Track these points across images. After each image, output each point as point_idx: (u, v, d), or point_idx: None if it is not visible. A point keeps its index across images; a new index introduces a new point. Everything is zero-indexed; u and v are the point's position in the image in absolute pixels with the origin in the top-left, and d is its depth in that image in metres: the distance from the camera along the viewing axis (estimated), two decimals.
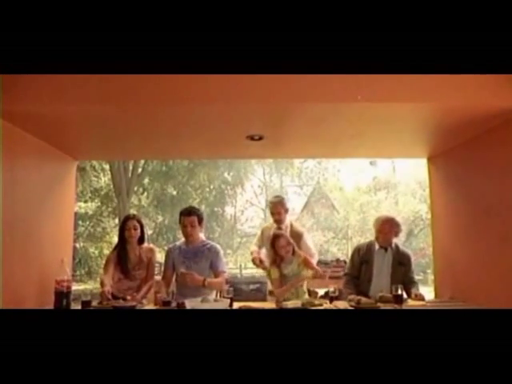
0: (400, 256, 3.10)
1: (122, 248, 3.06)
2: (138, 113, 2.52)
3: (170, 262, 3.07)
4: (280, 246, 2.92)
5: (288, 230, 3.45)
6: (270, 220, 3.68)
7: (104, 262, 3.27)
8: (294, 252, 2.96)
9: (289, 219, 3.60)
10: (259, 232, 3.81)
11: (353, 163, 16.59)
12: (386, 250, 3.10)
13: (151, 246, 3.31)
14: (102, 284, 2.87)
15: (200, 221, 3.04)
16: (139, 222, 3.10)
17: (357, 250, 3.24)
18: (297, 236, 3.35)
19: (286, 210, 3.56)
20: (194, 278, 2.86)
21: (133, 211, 12.49)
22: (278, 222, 3.52)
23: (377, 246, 3.13)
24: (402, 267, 3.06)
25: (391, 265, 3.07)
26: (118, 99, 2.35)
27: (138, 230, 3.06)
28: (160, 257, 5.76)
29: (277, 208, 3.52)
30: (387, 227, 3.09)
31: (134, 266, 3.04)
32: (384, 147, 3.50)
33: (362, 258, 3.15)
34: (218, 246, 3.14)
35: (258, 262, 3.46)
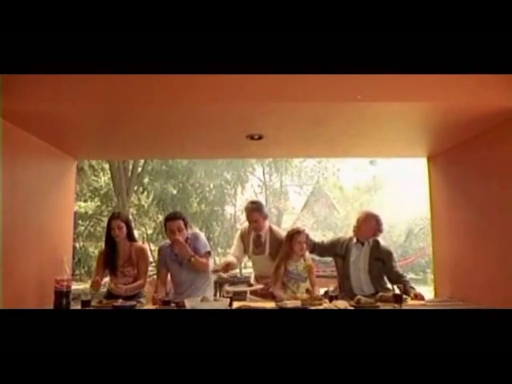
0: (379, 252, 3.11)
1: (110, 247, 3.08)
2: (137, 112, 2.52)
3: (163, 261, 3.08)
4: (297, 241, 2.97)
5: (268, 235, 3.23)
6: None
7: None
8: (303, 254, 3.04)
9: (268, 224, 3.30)
10: (237, 237, 3.44)
11: (353, 162, 16.55)
12: (362, 244, 3.14)
13: (143, 245, 3.32)
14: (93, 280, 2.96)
15: (186, 224, 3.01)
16: (123, 220, 3.09)
17: (336, 240, 3.31)
18: (277, 244, 3.15)
19: (265, 217, 3.24)
20: (183, 248, 2.88)
21: (132, 211, 12.50)
22: (256, 229, 3.23)
23: (354, 240, 3.17)
24: (379, 262, 3.08)
25: (368, 259, 3.09)
26: (118, 99, 2.35)
27: (124, 229, 3.06)
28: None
29: (253, 216, 3.19)
30: (365, 221, 3.13)
31: (124, 263, 3.05)
32: (384, 147, 3.50)
33: (339, 252, 3.19)
34: (197, 231, 3.21)
35: (223, 269, 3.19)
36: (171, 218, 3.01)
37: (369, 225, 3.12)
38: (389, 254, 3.13)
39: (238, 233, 3.48)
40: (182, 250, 2.89)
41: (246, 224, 3.40)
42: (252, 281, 3.43)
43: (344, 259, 3.14)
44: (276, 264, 3.00)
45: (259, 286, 3.15)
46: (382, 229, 3.15)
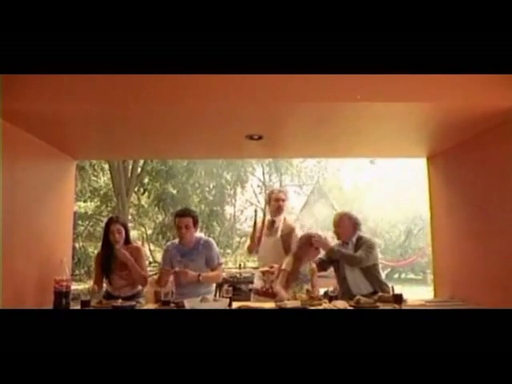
0: (361, 245, 3.10)
1: (107, 251, 3.03)
2: (137, 112, 2.52)
3: (168, 260, 3.07)
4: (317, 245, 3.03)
5: (281, 223, 3.44)
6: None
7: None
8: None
9: (284, 214, 3.54)
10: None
11: (352, 162, 16.54)
12: (347, 244, 3.16)
13: (138, 245, 3.30)
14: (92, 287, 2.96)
15: (195, 222, 3.00)
16: (123, 224, 3.05)
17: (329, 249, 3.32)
18: (289, 230, 3.37)
19: (287, 202, 3.54)
20: (187, 275, 2.86)
21: (132, 211, 12.48)
22: (279, 209, 3.43)
23: (340, 243, 3.20)
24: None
25: None
26: (118, 99, 2.35)
27: (123, 233, 3.02)
28: (159, 256, 5.76)
29: (280, 195, 3.47)
30: (340, 223, 3.17)
31: (120, 267, 3.01)
32: (383, 147, 3.50)
33: (331, 258, 3.20)
34: (211, 240, 3.15)
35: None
36: (180, 214, 3.00)
37: (344, 225, 3.16)
38: (368, 243, 3.08)
39: None
40: (186, 277, 2.87)
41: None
42: (255, 278, 3.55)
43: (338, 263, 3.16)
44: (292, 265, 3.02)
45: (265, 269, 3.26)
46: (358, 222, 3.18)
